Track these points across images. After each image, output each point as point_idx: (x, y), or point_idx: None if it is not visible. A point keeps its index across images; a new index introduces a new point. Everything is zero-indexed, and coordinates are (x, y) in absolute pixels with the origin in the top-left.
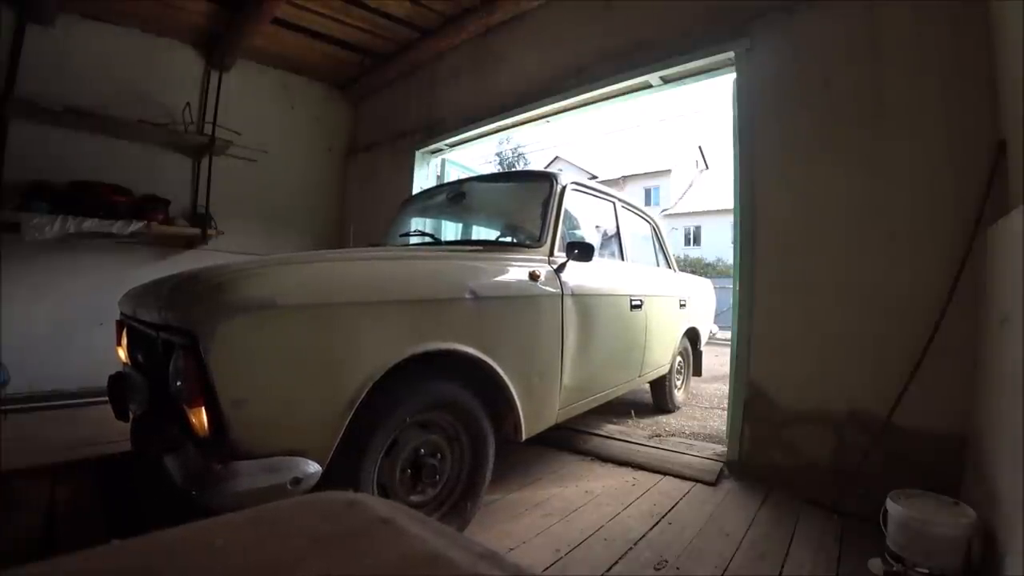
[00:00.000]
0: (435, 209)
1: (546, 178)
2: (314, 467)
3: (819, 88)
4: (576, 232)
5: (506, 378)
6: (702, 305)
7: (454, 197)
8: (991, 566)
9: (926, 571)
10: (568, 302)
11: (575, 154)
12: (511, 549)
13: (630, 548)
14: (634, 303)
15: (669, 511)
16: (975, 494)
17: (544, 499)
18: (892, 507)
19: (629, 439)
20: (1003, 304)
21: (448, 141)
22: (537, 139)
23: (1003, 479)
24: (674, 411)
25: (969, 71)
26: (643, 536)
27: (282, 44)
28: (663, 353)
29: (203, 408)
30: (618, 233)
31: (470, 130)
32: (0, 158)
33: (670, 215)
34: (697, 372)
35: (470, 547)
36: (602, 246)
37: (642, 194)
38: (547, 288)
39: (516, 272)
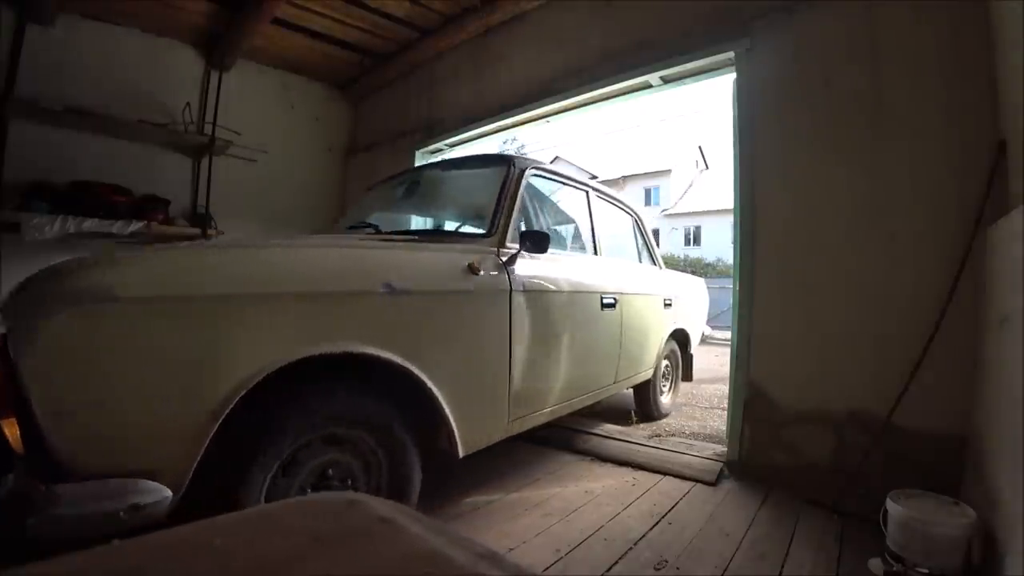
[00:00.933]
0: (394, 199)
1: (503, 162)
2: (164, 492)
3: (819, 88)
4: (549, 224)
5: (432, 386)
6: (692, 305)
7: (410, 186)
8: (991, 566)
9: (926, 571)
10: (518, 299)
11: (575, 154)
12: (511, 549)
13: (630, 548)
14: (606, 301)
15: (669, 511)
16: (975, 494)
17: (544, 499)
18: (892, 507)
19: (629, 439)
20: (1003, 304)
21: (448, 141)
22: (537, 139)
23: (1003, 479)
24: (660, 418)
25: (969, 71)
26: (643, 536)
27: (282, 44)
28: (644, 357)
29: (14, 419)
30: (591, 224)
31: (470, 130)
32: (0, 158)
33: (670, 215)
34: (687, 377)
35: (470, 547)
36: (570, 238)
37: (642, 194)
38: (490, 282)
39: (450, 263)
